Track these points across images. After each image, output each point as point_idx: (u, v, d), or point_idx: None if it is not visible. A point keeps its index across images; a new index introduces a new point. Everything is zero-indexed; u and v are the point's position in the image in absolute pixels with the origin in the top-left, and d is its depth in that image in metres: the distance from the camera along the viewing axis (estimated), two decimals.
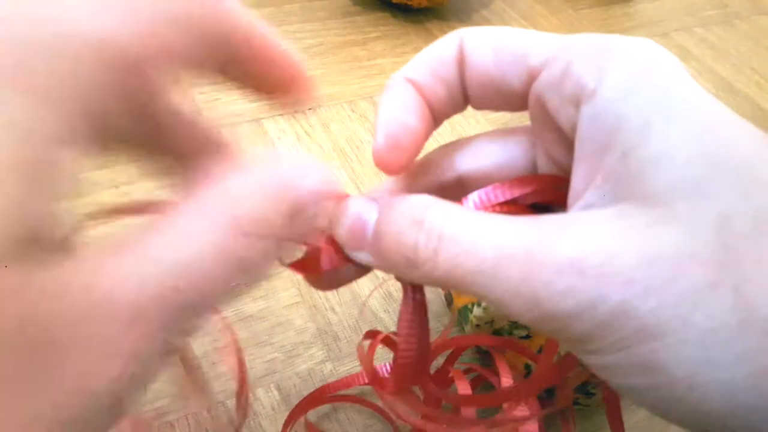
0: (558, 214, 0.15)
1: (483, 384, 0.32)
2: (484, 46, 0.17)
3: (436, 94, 0.18)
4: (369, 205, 0.16)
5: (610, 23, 0.67)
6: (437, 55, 0.18)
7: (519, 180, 0.17)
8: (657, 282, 0.12)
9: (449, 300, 0.35)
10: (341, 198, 0.17)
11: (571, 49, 0.15)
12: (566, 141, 0.16)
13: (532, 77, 0.16)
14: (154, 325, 0.11)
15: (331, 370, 0.34)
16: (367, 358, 0.22)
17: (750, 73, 0.62)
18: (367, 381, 0.31)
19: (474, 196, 0.16)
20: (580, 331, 0.13)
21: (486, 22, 0.63)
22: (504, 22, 0.63)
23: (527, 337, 0.30)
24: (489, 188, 0.16)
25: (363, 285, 0.38)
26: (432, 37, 0.59)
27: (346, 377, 0.31)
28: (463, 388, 0.27)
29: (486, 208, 0.16)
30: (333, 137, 0.47)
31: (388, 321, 0.36)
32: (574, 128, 0.15)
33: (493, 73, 0.17)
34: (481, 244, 0.14)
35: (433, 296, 0.38)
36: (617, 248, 0.13)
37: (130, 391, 0.12)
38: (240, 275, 0.13)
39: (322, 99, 0.50)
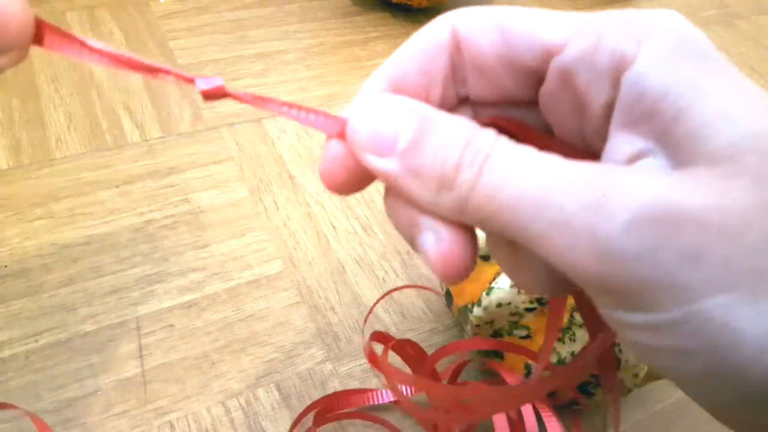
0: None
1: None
2: (486, 26, 0.15)
3: (423, 95, 0.16)
4: (408, 111, 0.14)
5: None
6: (424, 46, 0.16)
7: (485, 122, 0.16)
8: (730, 230, 0.11)
9: (449, 300, 0.35)
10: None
11: (598, 24, 0.14)
12: (585, 114, 0.15)
13: (549, 54, 0.15)
14: None
15: (331, 370, 0.34)
16: (389, 368, 0.21)
17: (750, 73, 0.62)
18: (387, 398, 0.30)
19: None
20: (640, 278, 0.12)
21: None
22: None
23: (527, 337, 0.30)
24: None
25: (363, 285, 0.38)
26: None
27: (359, 392, 0.31)
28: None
29: None
30: None
31: (388, 321, 0.36)
32: (606, 100, 0.14)
33: (501, 54, 0.15)
34: (535, 169, 0.13)
35: (433, 296, 0.38)
36: (688, 197, 0.12)
37: None
38: None
39: (322, 99, 0.50)
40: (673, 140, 0.13)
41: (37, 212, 0.38)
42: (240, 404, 0.32)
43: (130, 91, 0.48)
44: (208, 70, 0.51)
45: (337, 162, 0.16)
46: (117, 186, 0.41)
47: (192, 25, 0.55)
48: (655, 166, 0.13)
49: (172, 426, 0.31)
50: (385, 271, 0.39)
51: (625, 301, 0.12)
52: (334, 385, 0.33)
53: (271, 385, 0.33)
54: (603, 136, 0.15)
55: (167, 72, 0.14)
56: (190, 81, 0.14)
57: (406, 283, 0.38)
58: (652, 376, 0.30)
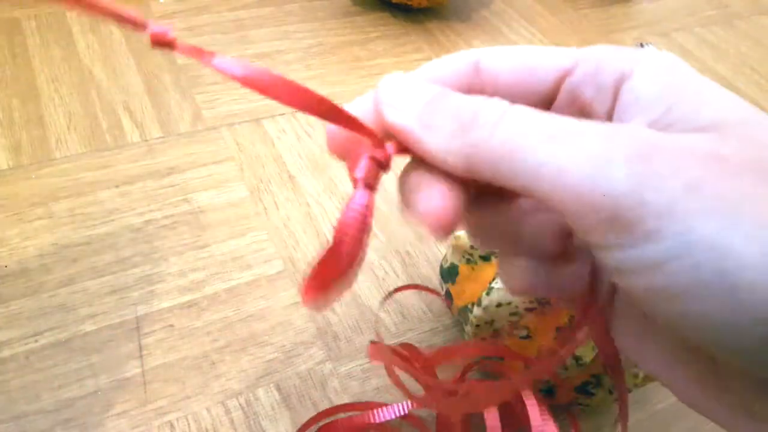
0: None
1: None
2: (507, 57, 0.18)
3: None
4: (429, 83, 0.16)
5: (610, 23, 0.67)
6: (449, 68, 0.18)
7: None
8: (726, 170, 0.13)
9: (449, 300, 0.35)
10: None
11: (600, 52, 0.17)
12: None
13: (562, 77, 0.17)
14: None
15: (331, 370, 0.34)
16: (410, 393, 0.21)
17: (750, 73, 0.62)
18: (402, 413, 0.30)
19: None
20: (645, 202, 0.13)
21: (486, 22, 0.63)
22: (504, 22, 0.63)
23: (527, 337, 0.30)
24: None
25: (363, 285, 0.38)
26: (432, 37, 0.59)
27: (365, 407, 0.30)
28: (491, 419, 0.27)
29: None
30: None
31: (388, 321, 0.36)
32: (608, 109, 0.16)
33: (518, 78, 0.18)
34: (555, 119, 0.14)
35: (433, 296, 0.38)
36: (686, 142, 0.14)
37: None
38: None
39: None
40: (664, 125, 0.15)
41: (37, 212, 0.38)
42: (240, 404, 0.32)
43: (130, 91, 0.48)
44: (208, 70, 0.51)
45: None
46: (117, 186, 0.41)
47: (192, 25, 0.55)
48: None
49: (172, 426, 0.31)
50: (385, 271, 0.39)
51: (625, 234, 0.13)
52: (334, 385, 0.33)
53: (271, 385, 0.33)
54: None
55: (123, 17, 0.14)
56: (143, 26, 0.14)
57: (406, 282, 0.38)
58: (652, 377, 0.30)
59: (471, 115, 0.15)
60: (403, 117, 0.16)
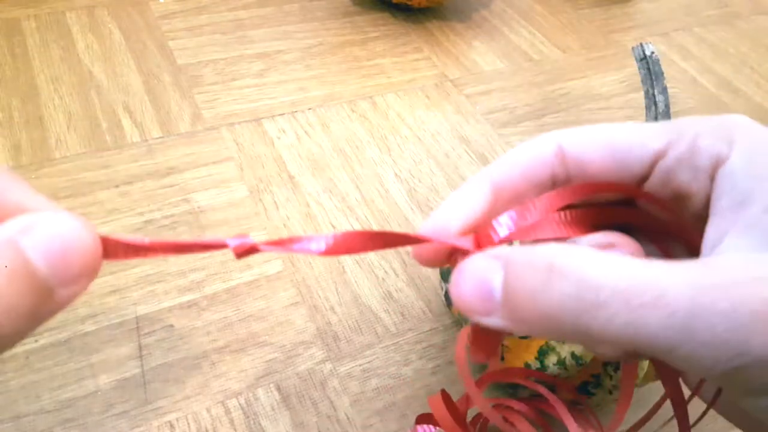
0: (715, 257, 0.15)
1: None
2: (592, 142, 0.17)
3: (519, 197, 0.18)
4: (489, 263, 0.15)
5: (610, 23, 0.67)
6: (530, 157, 0.18)
7: (558, 193, 0.17)
8: None
9: (449, 300, 0.35)
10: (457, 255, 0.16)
11: (693, 128, 0.17)
12: (686, 204, 0.17)
13: (655, 160, 0.17)
14: None
15: (330, 370, 0.34)
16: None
17: (749, 73, 0.62)
18: None
19: (504, 218, 0.16)
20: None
21: (486, 22, 0.63)
22: (504, 22, 0.63)
23: (527, 337, 0.30)
24: (517, 209, 0.17)
25: (363, 285, 0.38)
26: (432, 37, 0.59)
27: None
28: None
29: (519, 229, 0.17)
30: (333, 137, 0.47)
31: (388, 321, 0.36)
32: (705, 194, 0.16)
33: (607, 165, 0.17)
34: (671, 292, 0.13)
35: (433, 296, 0.38)
36: None
37: None
38: None
39: (322, 99, 0.50)
40: (763, 229, 0.15)
41: None
42: (240, 404, 0.32)
43: (129, 91, 0.48)
44: (208, 70, 0.51)
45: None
46: (117, 186, 0.41)
47: (192, 25, 0.55)
48: (737, 250, 0.15)
49: (171, 426, 0.31)
50: (385, 271, 0.39)
51: (752, 391, 0.13)
52: (334, 385, 0.33)
53: (271, 385, 0.33)
54: (703, 220, 0.16)
55: (204, 246, 0.15)
56: (224, 246, 0.15)
57: (406, 282, 0.38)
58: (652, 376, 0.30)
59: (558, 306, 0.13)
60: (494, 322, 0.15)
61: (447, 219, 0.17)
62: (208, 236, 0.15)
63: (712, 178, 0.16)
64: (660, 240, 0.19)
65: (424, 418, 0.28)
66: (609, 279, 0.13)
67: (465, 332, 0.22)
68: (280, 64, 0.53)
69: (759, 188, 0.15)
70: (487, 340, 0.17)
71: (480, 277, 0.15)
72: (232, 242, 0.15)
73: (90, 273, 0.14)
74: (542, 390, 0.27)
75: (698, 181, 0.16)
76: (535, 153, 0.18)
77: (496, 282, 0.14)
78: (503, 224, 0.16)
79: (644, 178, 0.17)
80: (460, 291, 0.15)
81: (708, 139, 0.16)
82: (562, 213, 0.18)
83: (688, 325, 0.12)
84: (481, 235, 0.17)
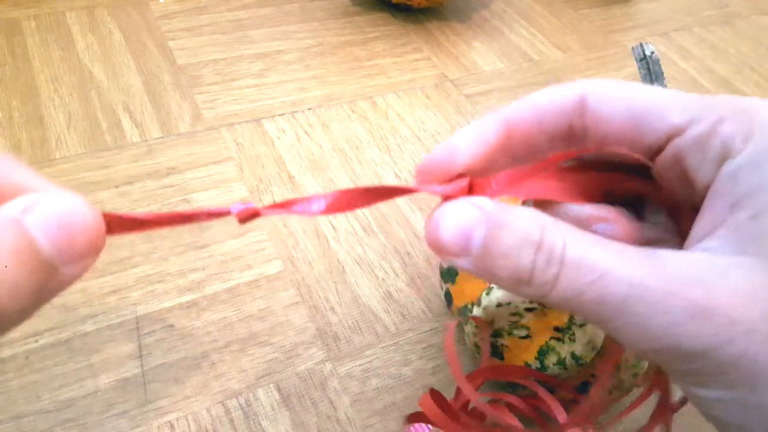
0: (679, 252, 0.15)
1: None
2: (615, 99, 0.17)
3: (532, 141, 0.18)
4: (474, 215, 0.15)
5: (610, 23, 0.67)
6: (550, 103, 0.17)
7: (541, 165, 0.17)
8: None
9: (449, 300, 0.35)
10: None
11: (716, 110, 0.16)
12: (692, 186, 0.17)
13: (672, 134, 0.16)
14: None
15: (330, 370, 0.34)
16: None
17: (749, 73, 0.62)
18: None
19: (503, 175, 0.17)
20: (698, 368, 0.14)
21: (486, 22, 0.63)
22: (504, 22, 0.63)
23: (527, 337, 0.30)
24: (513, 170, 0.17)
25: (363, 285, 0.38)
26: (431, 37, 0.59)
27: None
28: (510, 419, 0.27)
29: (513, 185, 0.17)
30: (333, 137, 0.47)
31: (388, 321, 0.36)
32: (709, 183, 0.16)
33: (625, 128, 0.17)
34: (610, 277, 0.14)
35: (433, 296, 0.38)
36: (742, 301, 0.14)
37: None
38: None
39: (322, 99, 0.50)
40: (745, 234, 0.15)
41: None
42: (240, 404, 0.32)
43: (129, 91, 0.48)
44: (208, 70, 0.51)
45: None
46: (116, 186, 0.41)
47: (192, 25, 0.55)
48: (718, 252, 0.15)
49: (171, 426, 0.31)
50: (385, 272, 0.39)
51: (690, 380, 0.15)
52: (334, 385, 0.33)
53: (271, 385, 0.33)
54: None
55: (207, 214, 0.16)
56: (227, 213, 0.16)
57: (406, 282, 0.38)
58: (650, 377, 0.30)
59: (528, 269, 0.15)
60: (464, 264, 0.16)
61: (456, 148, 0.17)
62: (210, 206, 0.15)
63: (718, 168, 0.16)
64: (676, 213, 0.19)
65: (414, 417, 0.28)
66: (571, 254, 0.15)
67: (453, 324, 0.22)
68: (280, 64, 0.53)
69: (756, 193, 0.15)
70: None
71: (463, 225, 0.15)
72: (235, 208, 0.15)
73: (94, 250, 0.14)
74: (529, 383, 0.27)
75: (705, 170, 0.16)
76: (556, 99, 0.17)
77: (478, 234, 0.15)
78: (501, 181, 0.17)
79: (659, 149, 0.17)
80: (439, 230, 0.16)
81: (728, 128, 0.16)
82: (568, 173, 0.18)
83: (619, 308, 0.14)
84: (476, 184, 0.17)
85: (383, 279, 0.38)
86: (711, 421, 0.16)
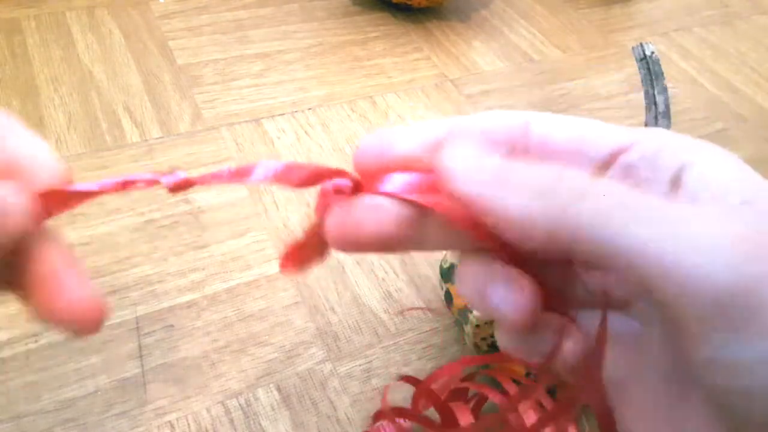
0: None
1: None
2: (558, 123, 0.17)
3: None
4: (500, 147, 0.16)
5: (610, 23, 0.67)
6: (497, 119, 0.17)
7: None
8: None
9: (449, 300, 0.35)
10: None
11: (660, 135, 0.17)
12: None
13: (617, 152, 0.17)
14: None
15: (330, 370, 0.34)
16: None
17: (750, 73, 0.62)
18: None
19: (402, 177, 0.16)
20: (745, 306, 0.12)
21: (486, 22, 0.63)
22: (504, 22, 0.63)
23: None
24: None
25: (363, 285, 0.38)
26: (431, 37, 0.59)
27: None
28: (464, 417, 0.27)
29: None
30: (333, 137, 0.47)
31: (388, 321, 0.36)
32: (664, 193, 0.16)
33: (569, 145, 0.17)
34: (650, 196, 0.14)
35: (432, 296, 0.38)
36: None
37: None
38: None
39: (322, 99, 0.50)
40: (738, 219, 0.14)
41: None
42: (240, 404, 0.32)
43: (129, 91, 0.48)
44: (208, 70, 0.51)
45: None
46: None
47: (192, 25, 0.55)
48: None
49: (171, 426, 0.31)
50: (385, 271, 0.39)
51: (734, 330, 0.12)
52: (334, 385, 0.33)
53: (271, 385, 0.33)
54: None
55: (138, 181, 0.16)
56: (156, 182, 0.16)
57: (406, 282, 0.38)
58: None
59: (555, 177, 0.14)
60: (475, 185, 0.15)
61: (393, 143, 0.17)
62: (142, 173, 0.15)
63: (674, 183, 0.16)
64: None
65: (380, 415, 0.29)
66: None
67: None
68: (280, 64, 0.53)
69: (730, 183, 0.15)
70: (305, 254, 0.17)
71: (480, 153, 0.15)
72: (165, 179, 0.15)
73: (19, 233, 0.14)
74: (491, 371, 0.27)
75: (658, 182, 0.16)
76: (502, 117, 0.17)
77: (493, 161, 0.15)
78: (396, 182, 0.16)
79: (604, 166, 0.17)
80: (458, 150, 0.16)
81: (674, 148, 0.16)
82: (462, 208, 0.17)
83: (674, 220, 0.13)
84: (367, 180, 0.16)
85: (383, 279, 0.38)
86: (728, 400, 0.13)
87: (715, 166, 0.15)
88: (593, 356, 0.16)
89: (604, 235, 0.13)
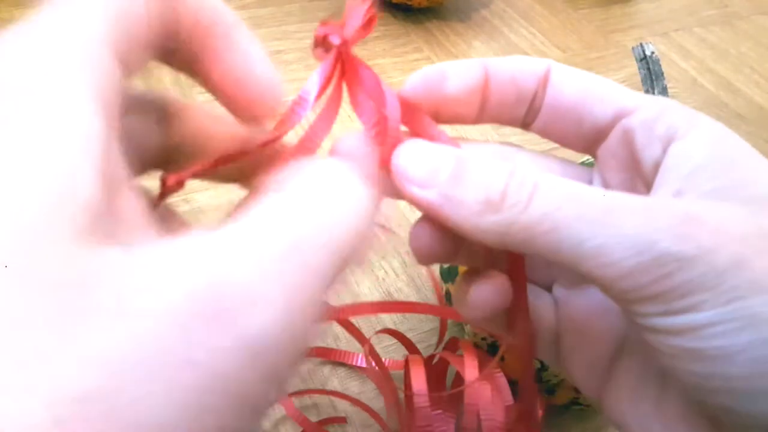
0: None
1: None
2: (574, 77, 0.18)
3: (504, 95, 0.19)
4: (446, 152, 0.16)
5: (610, 23, 0.67)
6: (525, 64, 0.19)
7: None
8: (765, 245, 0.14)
9: (449, 300, 0.35)
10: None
11: (664, 103, 0.17)
12: (637, 167, 0.18)
13: (620, 115, 0.18)
14: None
15: (330, 370, 0.34)
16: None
17: (749, 73, 0.62)
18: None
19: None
20: (692, 278, 0.13)
21: (486, 22, 0.63)
22: (504, 22, 0.63)
23: None
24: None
25: (363, 285, 0.38)
26: (431, 37, 0.60)
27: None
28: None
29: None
30: (333, 137, 0.47)
31: (388, 321, 0.36)
32: (656, 160, 0.17)
33: (577, 102, 0.18)
34: (588, 192, 0.15)
35: (432, 296, 0.38)
36: (729, 215, 0.14)
37: None
38: None
39: (322, 99, 0.50)
40: (707, 191, 0.15)
41: None
42: None
43: None
44: None
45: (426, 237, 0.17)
46: None
47: None
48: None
49: None
50: (385, 271, 0.39)
51: (670, 306, 0.14)
52: (334, 385, 0.33)
53: None
54: (649, 187, 0.17)
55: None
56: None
57: (406, 282, 0.38)
58: None
59: (500, 190, 0.15)
60: (426, 193, 0.16)
61: (446, 74, 0.18)
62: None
63: (664, 150, 0.16)
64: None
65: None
66: (545, 178, 0.15)
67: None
68: (280, 64, 0.53)
69: (705, 169, 0.15)
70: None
71: (431, 157, 0.16)
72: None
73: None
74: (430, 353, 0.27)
75: (651, 149, 0.17)
76: (530, 62, 0.19)
77: (447, 164, 0.16)
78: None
79: (605, 128, 0.18)
80: (407, 158, 0.16)
81: (673, 116, 0.17)
82: None
83: (601, 220, 0.14)
84: (409, 115, 0.18)
85: (383, 279, 0.38)
86: (690, 369, 0.14)
87: (703, 144, 0.16)
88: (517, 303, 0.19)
89: (548, 242, 0.15)
